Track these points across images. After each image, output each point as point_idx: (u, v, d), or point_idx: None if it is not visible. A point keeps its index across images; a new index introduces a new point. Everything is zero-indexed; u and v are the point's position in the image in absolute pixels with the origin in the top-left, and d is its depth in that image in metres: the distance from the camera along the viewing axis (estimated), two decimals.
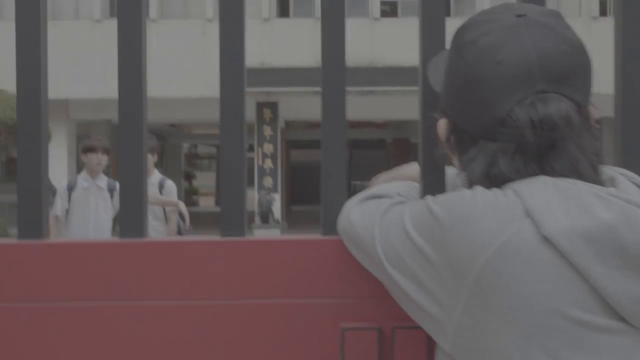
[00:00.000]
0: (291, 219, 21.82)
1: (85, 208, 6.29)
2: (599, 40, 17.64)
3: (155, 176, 6.49)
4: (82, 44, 17.40)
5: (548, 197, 1.01)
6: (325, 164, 1.47)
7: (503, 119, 1.07)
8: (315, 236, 1.45)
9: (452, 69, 1.16)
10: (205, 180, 37.75)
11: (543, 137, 1.05)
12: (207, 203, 33.42)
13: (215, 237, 1.46)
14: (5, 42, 16.66)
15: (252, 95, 17.28)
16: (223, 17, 1.47)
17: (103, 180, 6.42)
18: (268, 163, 17.81)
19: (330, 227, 1.45)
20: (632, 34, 1.47)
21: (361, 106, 16.71)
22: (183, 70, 17.15)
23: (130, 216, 1.47)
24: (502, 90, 1.07)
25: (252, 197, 19.65)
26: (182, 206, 6.43)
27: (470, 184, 1.12)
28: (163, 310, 1.41)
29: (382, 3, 18.71)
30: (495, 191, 1.07)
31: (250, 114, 18.58)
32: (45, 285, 1.41)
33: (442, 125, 1.21)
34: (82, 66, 17.08)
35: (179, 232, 6.60)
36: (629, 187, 1.10)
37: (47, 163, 1.50)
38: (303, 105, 18.07)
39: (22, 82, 1.48)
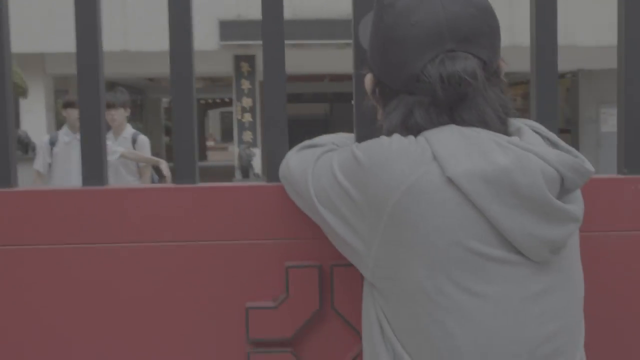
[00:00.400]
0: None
1: (67, 162, 6.35)
2: None
3: (127, 131, 6.57)
4: None
5: (453, 143, 1.15)
6: (268, 114, 1.60)
7: (417, 75, 1.20)
8: (261, 183, 1.58)
9: (375, 29, 1.29)
10: None
11: (451, 91, 1.19)
12: None
13: (169, 185, 1.59)
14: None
15: (229, 48, 17.21)
16: None
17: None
18: (247, 117, 17.81)
19: (273, 174, 1.58)
20: None
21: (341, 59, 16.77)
22: (162, 23, 17.02)
23: (91, 165, 1.59)
24: (416, 49, 1.20)
25: (232, 151, 19.68)
26: (164, 165, 6.50)
27: (389, 133, 1.25)
28: (116, 251, 1.54)
29: None
30: (409, 138, 1.21)
31: (227, 67, 18.52)
32: (15, 230, 1.54)
33: (368, 79, 1.34)
34: (58, 19, 16.93)
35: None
36: (532, 136, 1.25)
37: (12, 114, 1.60)
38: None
39: None
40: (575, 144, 21.31)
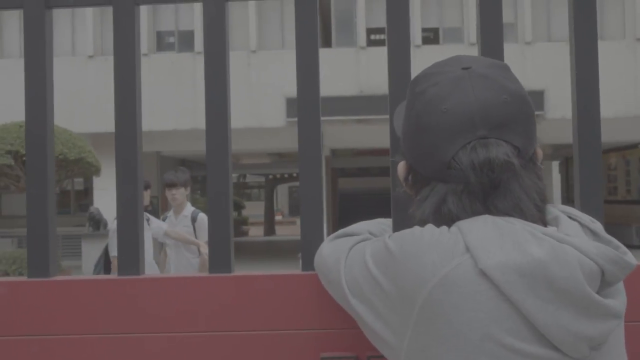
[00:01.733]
0: None
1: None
2: None
3: (187, 209, 6.65)
4: None
5: (486, 234, 1.12)
6: (304, 199, 1.58)
7: (449, 162, 1.18)
8: (296, 272, 1.55)
9: (407, 117, 1.29)
10: (255, 209, 38.04)
11: (484, 178, 1.16)
12: (256, 233, 33.63)
13: (205, 274, 1.58)
14: (57, 79, 17.07)
15: (295, 125, 17.41)
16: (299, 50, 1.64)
17: None
18: None
19: (308, 263, 1.55)
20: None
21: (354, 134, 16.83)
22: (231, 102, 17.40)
23: (128, 254, 1.59)
24: (447, 136, 1.18)
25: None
26: (203, 247, 6.50)
27: (422, 222, 1.22)
28: (153, 341, 1.53)
29: (424, 30, 18.83)
30: (442, 228, 1.18)
31: (295, 143, 18.69)
32: (50, 319, 1.54)
33: (401, 166, 1.32)
34: None
35: None
36: (570, 226, 1.20)
37: (54, 210, 1.63)
38: (347, 134, 18.21)
39: (30, 127, 1.61)
40: None
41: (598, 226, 1.22)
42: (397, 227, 1.49)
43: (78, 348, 1.53)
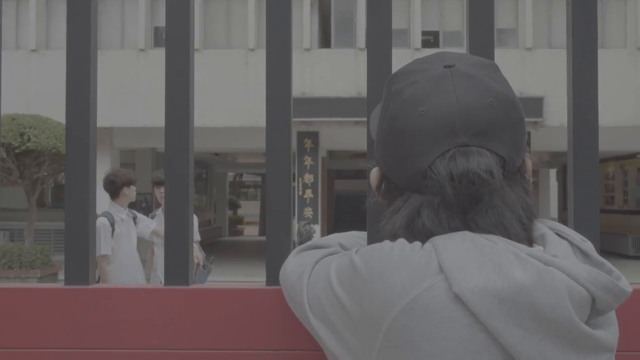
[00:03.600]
0: None
1: (128, 242, 6.29)
2: None
3: None
4: (126, 73, 17.71)
5: (463, 253, 0.98)
6: (271, 209, 1.45)
7: (425, 171, 1.04)
8: (259, 287, 1.42)
9: (381, 119, 1.14)
10: (250, 209, 37.91)
11: (463, 191, 1.01)
12: (251, 232, 33.52)
13: (160, 286, 1.45)
14: (50, 72, 16.91)
15: (293, 125, 17.26)
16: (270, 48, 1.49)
17: (124, 212, 6.41)
18: (308, 193, 17.79)
19: (273, 276, 1.42)
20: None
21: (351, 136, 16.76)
22: (225, 100, 17.32)
23: (75, 263, 1.45)
24: (424, 142, 1.04)
25: (293, 227, 19.59)
26: (196, 251, 6.34)
27: (392, 236, 1.08)
28: (100, 357, 1.39)
29: (424, 33, 18.71)
30: (415, 244, 1.03)
31: (291, 143, 18.63)
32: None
33: (374, 174, 1.18)
34: (125, 95, 17.36)
35: (203, 266, 6.62)
36: (558, 246, 1.06)
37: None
38: (344, 135, 18.09)
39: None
40: None
41: (589, 246, 1.09)
42: (372, 241, 1.35)
43: None
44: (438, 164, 1.02)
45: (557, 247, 1.06)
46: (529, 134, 17.88)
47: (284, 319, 1.38)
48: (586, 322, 0.98)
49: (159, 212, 6.68)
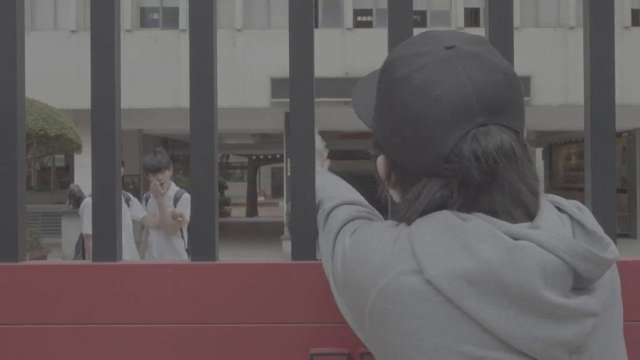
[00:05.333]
0: None
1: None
2: (632, 50, 17.44)
3: (172, 189, 6.46)
4: None
5: (435, 238, 1.02)
6: (295, 192, 1.47)
7: (447, 155, 1.05)
8: (286, 261, 1.45)
9: (385, 106, 1.13)
10: (238, 190, 37.87)
11: (487, 170, 1.03)
12: (238, 214, 33.51)
13: (187, 261, 1.47)
14: (35, 53, 16.72)
15: (281, 105, 17.31)
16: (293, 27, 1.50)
17: None
18: None
19: (298, 252, 1.45)
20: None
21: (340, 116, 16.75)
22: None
23: (103, 240, 1.48)
24: (443, 126, 1.05)
25: (282, 207, 19.63)
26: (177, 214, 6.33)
27: (411, 220, 1.10)
28: (136, 332, 1.42)
29: (357, 12, 18.68)
30: (394, 230, 1.09)
31: (279, 124, 18.63)
32: (20, 307, 1.43)
33: (381, 163, 1.19)
34: None
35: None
36: (548, 217, 1.07)
37: (24, 191, 1.51)
38: (332, 116, 18.08)
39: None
40: (632, 203, 20.84)
41: (584, 215, 1.10)
42: None
43: (50, 338, 1.42)
44: (461, 146, 1.03)
45: (547, 218, 1.07)
46: None
47: (310, 292, 1.41)
48: (573, 289, 1.01)
49: (152, 198, 6.59)
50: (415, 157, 1.09)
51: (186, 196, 6.38)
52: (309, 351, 1.41)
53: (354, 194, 1.41)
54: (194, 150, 1.48)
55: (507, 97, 1.06)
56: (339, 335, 1.40)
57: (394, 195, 1.19)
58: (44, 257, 13.95)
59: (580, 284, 1.02)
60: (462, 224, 1.02)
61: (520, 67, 17.19)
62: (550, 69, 17.25)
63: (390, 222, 1.15)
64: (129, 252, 6.34)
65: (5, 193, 1.48)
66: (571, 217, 1.09)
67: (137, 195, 7.90)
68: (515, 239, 1.00)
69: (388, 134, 1.13)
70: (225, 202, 33.90)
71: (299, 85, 1.48)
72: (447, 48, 1.08)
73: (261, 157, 34.47)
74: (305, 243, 1.45)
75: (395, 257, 1.03)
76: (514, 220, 1.05)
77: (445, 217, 1.04)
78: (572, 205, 1.11)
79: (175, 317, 1.42)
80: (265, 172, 45.97)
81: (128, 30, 18.17)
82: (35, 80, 16.20)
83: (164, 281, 1.42)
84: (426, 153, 1.06)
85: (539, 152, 28.65)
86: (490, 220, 1.02)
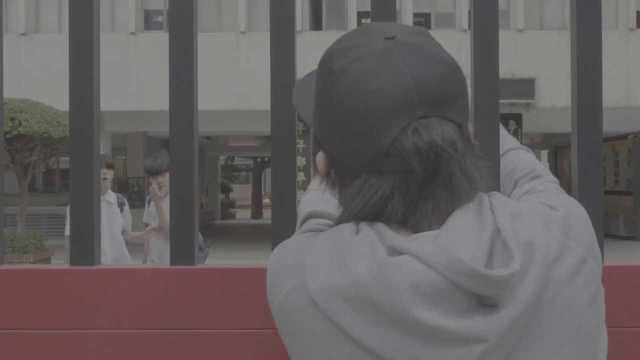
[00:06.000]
0: None
1: (105, 227, 6.23)
2: (637, 52, 17.37)
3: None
4: (117, 57, 17.63)
5: (323, 252, 1.00)
6: (276, 194, 1.45)
7: (387, 149, 0.99)
8: (264, 265, 1.42)
9: (324, 100, 1.08)
10: (242, 192, 37.91)
11: (429, 163, 0.98)
12: (243, 216, 33.56)
13: (165, 266, 1.45)
14: (39, 56, 16.77)
15: None
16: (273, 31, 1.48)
17: (111, 196, 6.40)
18: (300, 176, 17.80)
19: None
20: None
21: None
22: (216, 83, 17.28)
23: (81, 242, 1.45)
24: (382, 119, 0.99)
25: None
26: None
27: (351, 220, 1.05)
28: (112, 337, 1.40)
29: (415, 15, 18.70)
30: (300, 243, 1.08)
31: None
32: None
33: (321, 159, 1.12)
34: (116, 79, 17.30)
35: (200, 249, 6.60)
36: (457, 225, 0.98)
37: (2, 191, 1.49)
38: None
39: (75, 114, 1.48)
40: (638, 205, 20.76)
41: (508, 221, 0.99)
42: None
43: (25, 343, 1.40)
44: (401, 140, 0.98)
45: (454, 226, 0.98)
46: (520, 115, 17.90)
47: None
48: (482, 305, 0.93)
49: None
50: (354, 151, 1.03)
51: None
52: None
53: (328, 207, 1.32)
54: (173, 153, 1.46)
55: (449, 89, 1.01)
56: None
57: (334, 194, 1.13)
58: (47, 259, 13.98)
59: (490, 301, 0.94)
60: (350, 238, 0.99)
61: (525, 69, 17.22)
62: (554, 71, 17.17)
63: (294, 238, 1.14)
64: (112, 255, 6.26)
65: None
66: (496, 223, 0.99)
67: (142, 197, 7.89)
68: (399, 252, 0.95)
69: (327, 129, 1.07)
70: (230, 205, 33.95)
71: (279, 89, 1.46)
72: (387, 39, 1.03)
73: (266, 159, 34.48)
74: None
75: (291, 271, 1.03)
76: (429, 227, 1.00)
77: (339, 230, 1.01)
78: (506, 208, 1.02)
79: (153, 322, 1.40)
80: (270, 174, 46.07)
81: (132, 33, 18.20)
82: (39, 83, 16.26)
83: (142, 286, 1.40)
84: (366, 147, 1.01)
85: (544, 155, 28.59)
86: (381, 232, 0.98)
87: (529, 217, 1.02)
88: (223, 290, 1.40)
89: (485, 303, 0.93)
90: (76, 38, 1.48)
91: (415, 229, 1.00)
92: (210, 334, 1.39)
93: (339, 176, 1.09)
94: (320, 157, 1.12)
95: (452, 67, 1.03)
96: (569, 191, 1.26)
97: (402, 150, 0.98)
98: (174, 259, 1.44)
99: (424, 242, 0.96)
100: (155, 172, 6.17)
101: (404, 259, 0.93)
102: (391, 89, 0.99)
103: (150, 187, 6.18)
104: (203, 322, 1.39)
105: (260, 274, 1.40)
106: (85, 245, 1.45)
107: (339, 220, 1.06)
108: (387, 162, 1.00)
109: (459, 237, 0.95)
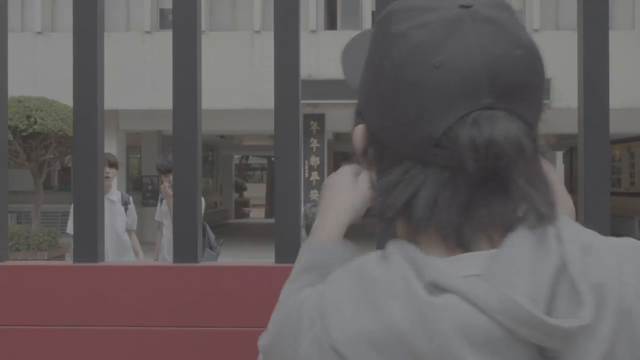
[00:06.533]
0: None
1: (108, 225, 6.26)
2: None
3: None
4: (132, 55, 17.69)
5: (344, 292, 0.84)
6: (280, 191, 1.45)
7: (437, 138, 0.83)
8: (269, 263, 1.42)
9: (374, 65, 0.91)
10: (256, 191, 37.93)
11: (486, 164, 0.81)
12: (258, 215, 33.56)
13: (168, 263, 1.45)
14: (55, 54, 16.87)
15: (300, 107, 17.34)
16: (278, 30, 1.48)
17: (115, 194, 6.45)
18: (314, 176, 17.80)
19: (282, 254, 1.42)
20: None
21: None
22: (231, 82, 17.30)
23: (84, 240, 1.46)
24: (438, 102, 0.83)
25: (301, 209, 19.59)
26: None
27: (385, 220, 0.90)
28: (114, 334, 1.40)
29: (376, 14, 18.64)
30: (298, 297, 0.90)
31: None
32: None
33: (359, 133, 0.95)
34: (131, 77, 17.36)
35: (210, 247, 6.61)
36: (514, 255, 0.81)
37: (6, 192, 1.50)
38: (350, 118, 18.08)
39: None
40: None
41: (577, 258, 0.80)
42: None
43: (28, 339, 1.40)
44: (457, 130, 0.82)
45: (513, 256, 0.81)
46: None
47: None
48: (546, 357, 0.77)
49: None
50: (400, 133, 0.87)
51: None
52: None
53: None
54: (176, 152, 1.46)
55: (524, 79, 0.85)
56: None
57: (371, 175, 0.96)
58: (62, 257, 14.04)
59: (551, 353, 0.77)
60: (378, 273, 0.83)
61: None
62: (570, 72, 17.07)
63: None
64: (113, 253, 6.29)
65: None
66: (562, 256, 0.81)
67: (156, 195, 7.93)
68: (442, 290, 0.78)
69: (372, 99, 0.92)
70: (244, 204, 33.97)
71: (285, 86, 1.46)
72: (462, 7, 0.86)
73: None
74: (289, 246, 1.42)
75: (304, 324, 0.85)
76: (488, 240, 0.84)
77: (363, 263, 0.85)
78: (577, 238, 0.84)
79: (155, 320, 1.40)
80: None
81: (147, 32, 18.26)
82: (55, 82, 16.30)
83: (145, 283, 1.40)
84: (413, 131, 0.85)
85: (559, 156, 28.44)
86: (415, 261, 0.82)
87: (605, 251, 0.84)
88: (225, 288, 1.40)
89: (547, 355, 0.77)
90: (80, 37, 1.48)
91: (467, 242, 0.84)
92: (211, 332, 1.39)
93: (378, 158, 0.92)
94: (359, 130, 0.96)
95: (532, 54, 0.87)
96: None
97: (455, 142, 0.82)
98: (177, 257, 1.44)
99: (473, 273, 0.81)
100: (167, 171, 6.19)
101: (449, 300, 0.77)
102: (456, 67, 0.83)
103: (161, 186, 6.21)
104: (204, 320, 1.39)
105: (263, 272, 1.40)
106: (88, 243, 1.45)
107: (382, 216, 0.90)
108: (434, 152, 0.84)
109: (515, 272, 0.79)
